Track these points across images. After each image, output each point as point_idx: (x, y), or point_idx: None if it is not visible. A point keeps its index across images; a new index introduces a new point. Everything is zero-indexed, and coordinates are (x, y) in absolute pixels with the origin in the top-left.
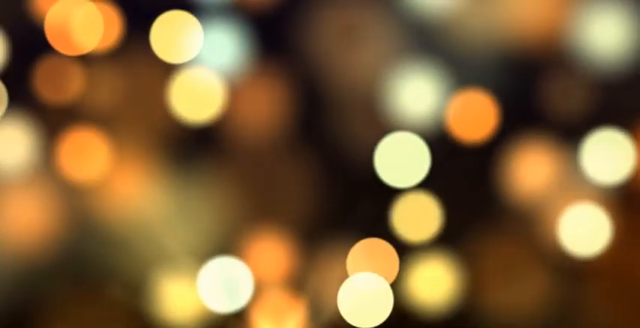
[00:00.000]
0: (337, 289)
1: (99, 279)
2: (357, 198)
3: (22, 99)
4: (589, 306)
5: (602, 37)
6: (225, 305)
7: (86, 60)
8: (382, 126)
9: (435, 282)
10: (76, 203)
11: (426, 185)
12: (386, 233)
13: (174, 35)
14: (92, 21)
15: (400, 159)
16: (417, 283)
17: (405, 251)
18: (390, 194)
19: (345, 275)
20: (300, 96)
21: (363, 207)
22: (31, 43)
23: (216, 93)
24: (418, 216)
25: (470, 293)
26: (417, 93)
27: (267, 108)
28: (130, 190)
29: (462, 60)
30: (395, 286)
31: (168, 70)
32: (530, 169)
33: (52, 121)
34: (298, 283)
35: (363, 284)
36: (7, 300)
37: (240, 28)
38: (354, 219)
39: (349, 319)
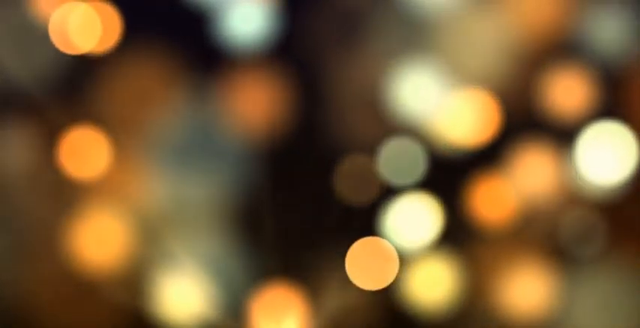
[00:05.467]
0: (337, 288)
1: (98, 279)
2: (357, 195)
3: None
4: (589, 306)
5: (605, 34)
6: (225, 305)
7: (86, 60)
8: (383, 126)
9: (435, 282)
10: (74, 202)
11: (426, 185)
12: (385, 233)
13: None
14: (91, 21)
15: (400, 160)
16: (417, 283)
17: (405, 251)
18: (389, 193)
19: (345, 274)
20: (300, 96)
21: (363, 207)
22: (31, 43)
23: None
24: (418, 216)
25: (470, 293)
26: (417, 92)
27: (267, 108)
28: (130, 190)
29: (463, 59)
30: (394, 286)
31: (169, 70)
32: (531, 169)
33: (52, 121)
34: (298, 282)
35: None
36: (6, 300)
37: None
38: (353, 219)
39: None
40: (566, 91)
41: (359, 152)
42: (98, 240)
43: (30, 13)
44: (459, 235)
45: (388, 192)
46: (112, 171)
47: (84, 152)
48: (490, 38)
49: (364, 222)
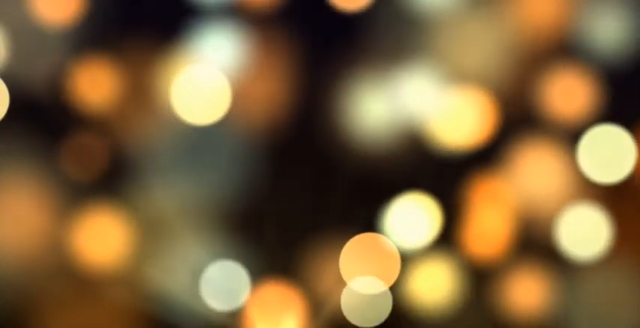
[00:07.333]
0: (335, 286)
1: (99, 279)
2: (357, 196)
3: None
4: (588, 307)
5: (605, 33)
6: (224, 305)
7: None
8: (382, 125)
9: (435, 282)
10: (75, 203)
11: (425, 185)
12: (385, 232)
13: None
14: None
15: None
16: (416, 283)
17: (405, 251)
18: (389, 194)
19: (341, 273)
20: (300, 95)
21: (362, 207)
22: (32, 44)
23: (220, 94)
24: (418, 216)
25: (470, 293)
26: (416, 92)
27: (268, 107)
28: (130, 190)
29: (463, 59)
30: (395, 286)
31: (169, 69)
32: (531, 169)
33: (52, 121)
34: (297, 281)
35: (363, 286)
36: (6, 300)
37: (240, 29)
38: (352, 219)
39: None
40: (566, 91)
41: (359, 152)
42: (99, 240)
43: (31, 14)
44: (458, 235)
45: (387, 192)
46: (112, 171)
47: (84, 153)
48: (490, 38)
49: (364, 221)
